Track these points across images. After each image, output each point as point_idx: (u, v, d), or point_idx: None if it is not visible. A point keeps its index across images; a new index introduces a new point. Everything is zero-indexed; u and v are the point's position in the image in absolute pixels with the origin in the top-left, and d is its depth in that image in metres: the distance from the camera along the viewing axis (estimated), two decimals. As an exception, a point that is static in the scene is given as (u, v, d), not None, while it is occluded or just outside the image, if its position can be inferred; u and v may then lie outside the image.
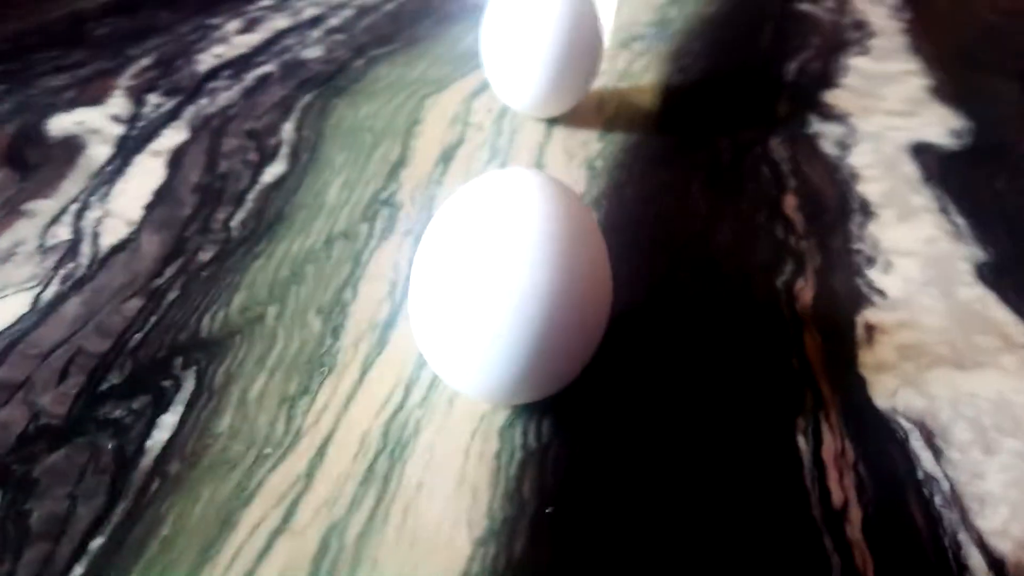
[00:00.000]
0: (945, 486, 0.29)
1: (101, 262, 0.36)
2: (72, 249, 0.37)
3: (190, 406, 0.29)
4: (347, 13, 0.63)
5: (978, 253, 0.41)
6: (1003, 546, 0.27)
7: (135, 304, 0.34)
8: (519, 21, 0.45)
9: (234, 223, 0.39)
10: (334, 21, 0.61)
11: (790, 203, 0.44)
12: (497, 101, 0.51)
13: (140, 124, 0.47)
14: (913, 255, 0.41)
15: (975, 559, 0.26)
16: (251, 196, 0.41)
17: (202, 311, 0.34)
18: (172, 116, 0.48)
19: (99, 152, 0.44)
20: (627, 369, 0.33)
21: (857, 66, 0.61)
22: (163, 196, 0.41)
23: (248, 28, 0.59)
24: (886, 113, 0.54)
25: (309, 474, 0.27)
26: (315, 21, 0.61)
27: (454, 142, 0.47)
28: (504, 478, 0.28)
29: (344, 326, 0.34)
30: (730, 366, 0.33)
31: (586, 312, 0.27)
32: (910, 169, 0.48)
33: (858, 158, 0.49)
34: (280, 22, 0.60)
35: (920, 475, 0.29)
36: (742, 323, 0.35)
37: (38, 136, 0.45)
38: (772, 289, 0.38)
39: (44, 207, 0.40)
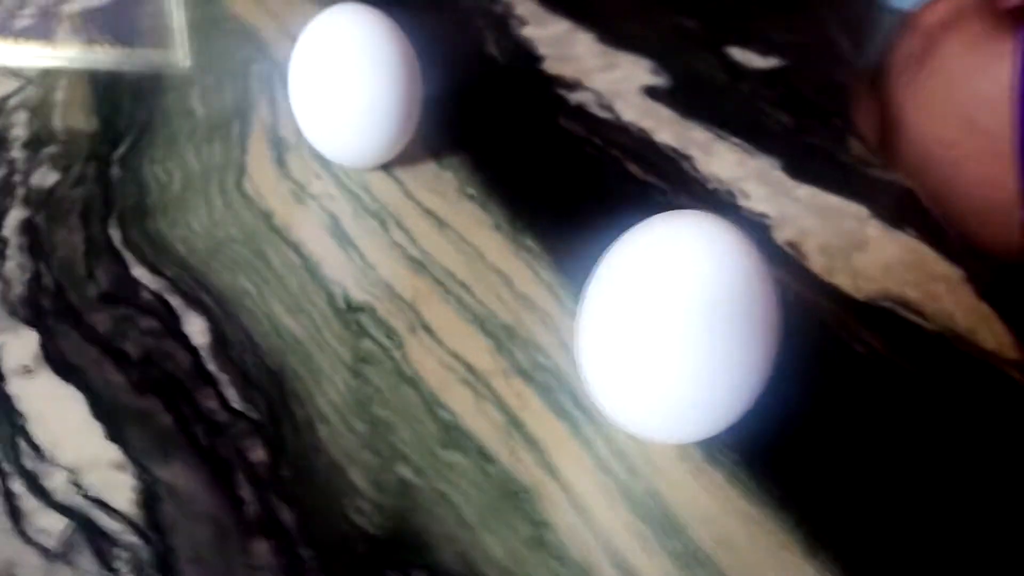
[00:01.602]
0: (949, 335, 0.39)
1: None
2: None
3: None
4: (19, 119, 0.50)
5: (773, 160, 0.52)
6: (1012, 355, 0.38)
7: None
8: (339, 64, 0.42)
9: (234, 402, 0.33)
10: (17, 134, 0.49)
11: (636, 169, 0.50)
12: (309, 161, 0.47)
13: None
14: (745, 179, 0.50)
15: (1012, 374, 0.37)
16: (214, 369, 0.34)
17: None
18: (-21, 318, 0.36)
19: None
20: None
21: (532, 36, 0.67)
22: (110, 411, 0.32)
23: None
24: (596, 70, 0.62)
25: None
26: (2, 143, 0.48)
27: (329, 222, 0.43)
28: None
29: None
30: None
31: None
32: (664, 111, 0.57)
33: (626, 114, 0.56)
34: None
35: (932, 334, 0.39)
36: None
37: None
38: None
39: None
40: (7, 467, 0.30)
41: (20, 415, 0.32)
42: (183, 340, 0.36)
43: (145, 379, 0.34)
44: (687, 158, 0.51)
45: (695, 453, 0.32)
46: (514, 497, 0.30)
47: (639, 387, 0.29)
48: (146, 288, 0.38)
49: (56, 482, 0.29)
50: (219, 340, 0.36)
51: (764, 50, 0.66)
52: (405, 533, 0.29)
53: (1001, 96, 0.62)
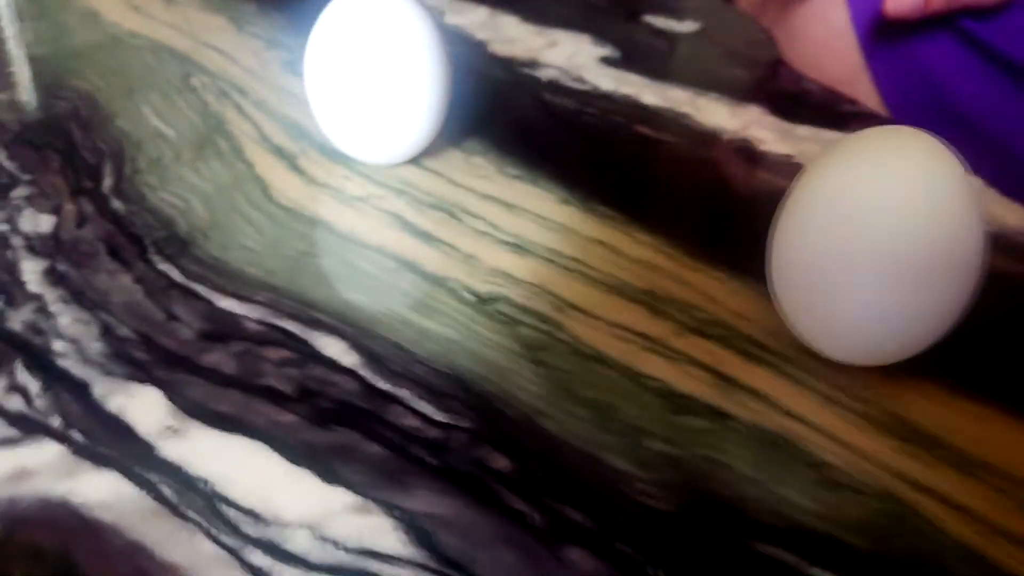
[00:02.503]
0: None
1: None
2: None
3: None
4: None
5: (763, 109, 0.54)
6: None
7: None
8: (369, 53, 0.39)
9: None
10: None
11: (647, 130, 0.50)
12: (322, 163, 0.43)
13: None
14: (750, 127, 0.51)
15: None
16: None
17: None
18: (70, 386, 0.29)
19: None
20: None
21: (461, 23, 0.65)
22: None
23: None
24: (544, 48, 0.62)
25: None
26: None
27: (398, 223, 0.40)
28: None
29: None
30: None
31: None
32: (634, 77, 0.57)
33: (603, 84, 0.56)
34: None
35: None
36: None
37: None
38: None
39: None
40: (231, 540, 0.25)
41: (201, 480, 0.26)
42: (331, 364, 0.31)
43: (320, 412, 0.29)
44: (684, 116, 0.52)
45: (904, 372, 0.32)
46: (777, 446, 0.29)
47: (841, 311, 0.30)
48: (247, 318, 0.33)
49: (301, 543, 0.25)
50: (371, 356, 0.31)
51: (676, 15, 0.68)
52: (702, 502, 0.27)
53: (840, 40, 0.69)
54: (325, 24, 0.41)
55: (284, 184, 0.42)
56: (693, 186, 0.46)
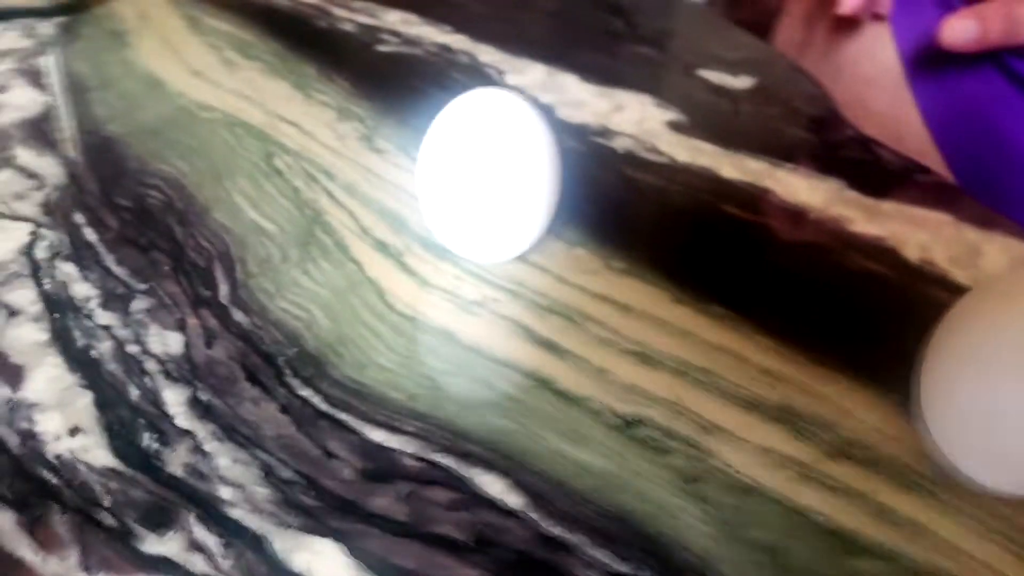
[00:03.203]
0: None
1: None
2: None
3: None
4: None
5: (842, 184, 0.54)
6: None
7: None
8: (482, 153, 0.40)
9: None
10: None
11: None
12: (429, 260, 0.43)
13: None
14: (830, 204, 0.52)
15: None
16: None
17: None
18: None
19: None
20: None
21: (521, 84, 0.65)
22: None
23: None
24: (609, 112, 0.62)
25: None
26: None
27: (522, 332, 0.40)
28: None
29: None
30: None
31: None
32: (707, 146, 0.58)
33: (679, 157, 0.56)
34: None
35: None
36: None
37: None
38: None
39: None
40: None
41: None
42: (498, 506, 0.31)
43: (501, 563, 0.29)
44: (766, 191, 0.52)
45: None
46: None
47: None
48: (403, 453, 0.33)
49: None
50: (535, 496, 0.32)
51: (730, 70, 0.68)
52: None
53: (887, 76, 0.70)
54: (441, 125, 0.41)
55: (398, 287, 0.42)
56: (796, 277, 0.46)
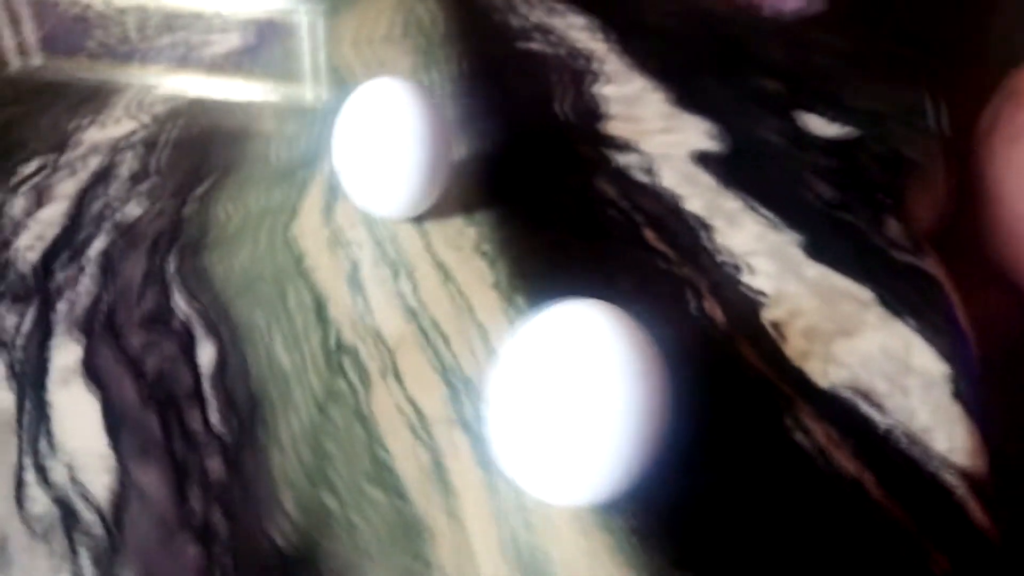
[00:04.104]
0: (900, 431, 0.39)
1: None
2: None
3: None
4: (134, 153, 0.59)
5: (796, 236, 0.52)
6: (961, 460, 0.37)
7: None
8: (375, 128, 0.48)
9: (214, 422, 0.39)
10: (126, 168, 0.58)
11: (651, 236, 0.52)
12: (353, 210, 0.52)
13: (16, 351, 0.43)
14: (758, 253, 0.51)
15: (949, 479, 0.37)
16: (208, 392, 0.40)
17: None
18: (45, 331, 0.44)
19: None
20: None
21: (606, 93, 0.70)
22: (117, 419, 0.39)
23: (42, 200, 0.54)
24: (655, 132, 0.65)
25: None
26: (107, 173, 0.57)
27: (350, 268, 0.49)
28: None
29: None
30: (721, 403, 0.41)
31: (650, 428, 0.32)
32: (706, 178, 0.58)
33: (666, 179, 0.58)
34: (71, 185, 0.56)
35: (881, 430, 0.39)
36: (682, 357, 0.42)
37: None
38: (687, 316, 0.45)
39: None
40: (26, 458, 0.37)
41: (47, 417, 0.39)
42: (193, 364, 0.42)
43: (152, 396, 0.40)
44: (708, 228, 0.53)
45: (590, 518, 0.34)
46: (415, 536, 0.34)
47: (537, 451, 0.33)
48: (179, 315, 0.45)
49: (58, 474, 0.36)
50: (221, 367, 0.42)
51: (837, 116, 0.66)
52: (314, 556, 0.33)
53: None
54: (352, 104, 0.51)
55: (308, 219, 0.53)
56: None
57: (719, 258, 0.50)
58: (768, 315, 0.46)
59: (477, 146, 0.60)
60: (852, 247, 0.51)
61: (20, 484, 0.36)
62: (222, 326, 0.44)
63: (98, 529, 0.34)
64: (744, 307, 0.46)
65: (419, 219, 0.53)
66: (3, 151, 0.58)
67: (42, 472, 0.37)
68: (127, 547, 0.34)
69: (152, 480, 0.36)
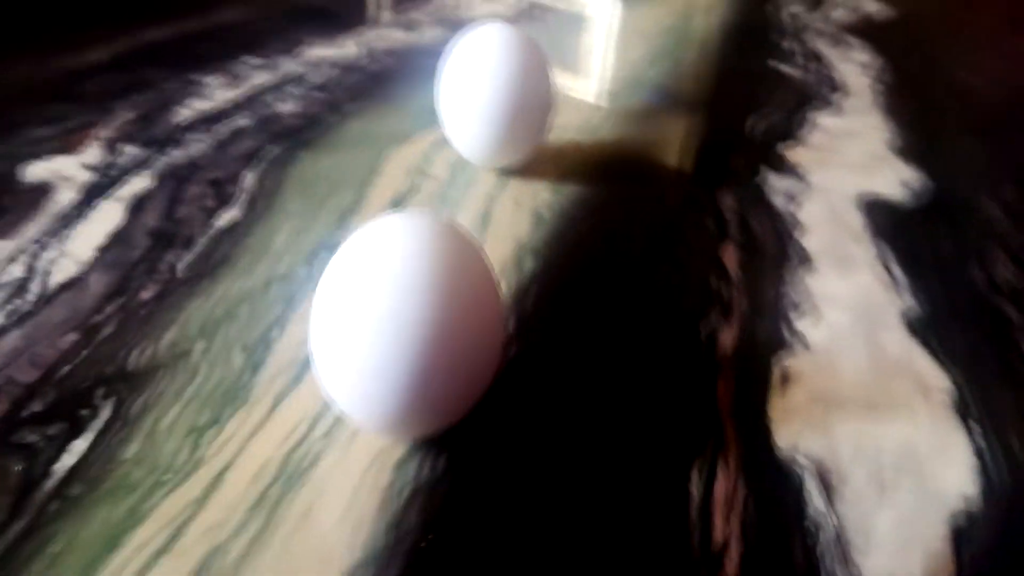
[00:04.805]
0: (831, 525, 0.29)
1: (47, 299, 0.38)
2: (22, 286, 0.39)
3: (102, 433, 0.31)
4: (330, 72, 0.66)
5: (911, 306, 0.42)
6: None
7: (71, 338, 0.36)
8: (473, 77, 0.47)
9: (181, 265, 0.41)
10: (316, 79, 0.64)
11: (729, 252, 0.45)
12: (456, 154, 0.52)
13: (111, 172, 0.49)
14: (844, 305, 0.41)
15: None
16: (202, 240, 0.43)
17: (132, 346, 0.35)
18: (142, 165, 0.50)
19: (65, 197, 0.46)
20: (533, 406, 0.33)
21: (823, 123, 0.62)
22: (118, 239, 0.43)
23: (230, 84, 0.62)
24: (843, 167, 0.55)
25: (202, 500, 0.28)
26: (298, 79, 0.64)
27: (406, 191, 0.49)
28: (391, 509, 0.29)
29: (265, 363, 0.35)
30: (639, 407, 0.34)
31: (475, 350, 0.28)
32: (856, 222, 0.49)
33: (805, 210, 0.50)
34: (262, 78, 0.63)
35: (809, 515, 0.30)
36: (658, 365, 0.36)
37: (11, 182, 0.48)
38: (695, 334, 0.38)
39: (2, 247, 0.42)
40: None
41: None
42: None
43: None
44: (806, 262, 0.45)
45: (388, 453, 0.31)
46: (231, 400, 0.33)
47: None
48: (240, 184, 0.49)
49: None
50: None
51: None
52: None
53: None
54: (461, 48, 0.51)
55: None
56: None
57: (784, 293, 0.42)
58: (787, 362, 0.37)
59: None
60: (982, 336, 0.40)
61: (20, 252, 0.42)
62: (261, 201, 0.47)
63: (32, 296, 0.38)
64: (765, 346, 0.38)
65: (510, 172, 0.51)
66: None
67: (39, 251, 0.42)
68: (38, 315, 0.37)
69: (97, 283, 0.40)
